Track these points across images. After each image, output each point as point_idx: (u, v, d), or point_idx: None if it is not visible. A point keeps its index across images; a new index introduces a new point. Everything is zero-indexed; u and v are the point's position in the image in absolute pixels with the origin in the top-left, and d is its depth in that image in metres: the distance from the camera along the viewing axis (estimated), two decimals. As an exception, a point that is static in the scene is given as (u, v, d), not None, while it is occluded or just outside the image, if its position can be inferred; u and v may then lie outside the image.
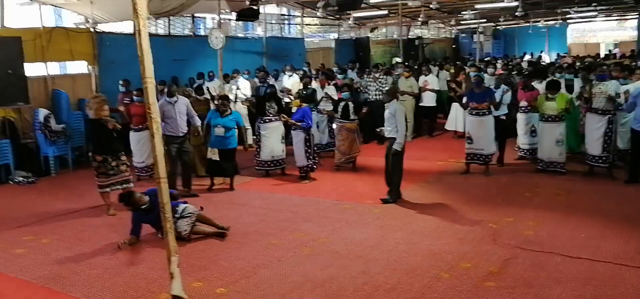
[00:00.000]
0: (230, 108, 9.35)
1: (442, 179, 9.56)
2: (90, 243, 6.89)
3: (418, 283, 5.34)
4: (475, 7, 20.16)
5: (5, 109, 10.77)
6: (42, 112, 10.90)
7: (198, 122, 9.12)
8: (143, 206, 6.69)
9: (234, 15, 15.15)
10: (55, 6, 12.68)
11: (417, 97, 13.35)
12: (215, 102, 9.48)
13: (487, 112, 9.50)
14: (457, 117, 13.02)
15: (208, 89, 12.18)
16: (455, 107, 12.91)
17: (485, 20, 27.40)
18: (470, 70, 13.99)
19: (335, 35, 24.02)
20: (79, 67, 13.20)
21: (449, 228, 6.97)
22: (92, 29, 12.75)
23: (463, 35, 33.61)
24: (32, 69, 11.51)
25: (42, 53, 11.70)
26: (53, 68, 12.48)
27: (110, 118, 7.93)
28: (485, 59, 21.46)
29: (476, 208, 7.73)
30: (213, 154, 9.01)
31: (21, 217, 8.11)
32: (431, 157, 11.27)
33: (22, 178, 10.47)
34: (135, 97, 10.16)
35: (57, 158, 11.18)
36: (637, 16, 28.65)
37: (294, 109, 9.96)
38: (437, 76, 15.00)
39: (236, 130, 9.15)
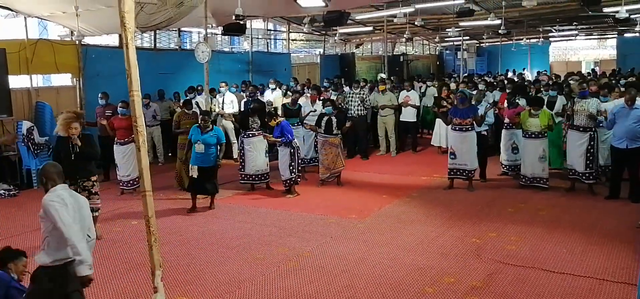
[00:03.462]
0: (211, 125, 9.01)
1: (426, 194, 9.62)
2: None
3: (402, 298, 5.37)
4: (459, 24, 20.41)
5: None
6: (25, 124, 10.80)
7: None
8: None
9: (220, 30, 15.18)
10: (41, 19, 12.61)
11: (399, 112, 13.45)
12: (200, 117, 9.24)
13: (470, 128, 9.60)
14: (441, 133, 13.13)
15: (197, 103, 12.18)
16: (439, 122, 13.03)
17: (468, 37, 27.77)
18: (461, 87, 14.15)
19: (321, 51, 24.15)
20: (63, 79, 13.12)
21: (432, 242, 7.01)
22: (77, 42, 12.69)
23: (447, 52, 33.97)
24: (16, 81, 11.42)
25: (27, 65, 11.61)
26: (37, 80, 12.38)
27: (77, 137, 6.97)
28: (466, 76, 21.75)
29: (460, 223, 7.78)
30: (193, 172, 8.72)
31: (3, 230, 8.01)
32: (415, 173, 11.34)
33: (3, 191, 10.34)
34: (119, 110, 10.11)
35: (40, 170, 11.06)
36: (617, 36, 29.19)
37: (272, 124, 9.92)
38: (424, 92, 15.13)
39: (217, 147, 8.84)
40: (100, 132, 11.08)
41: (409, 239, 7.16)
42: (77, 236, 3.87)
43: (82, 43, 12.87)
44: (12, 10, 11.77)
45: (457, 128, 9.66)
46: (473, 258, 6.41)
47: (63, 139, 7.09)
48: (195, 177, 8.67)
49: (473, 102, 10.39)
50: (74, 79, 12.97)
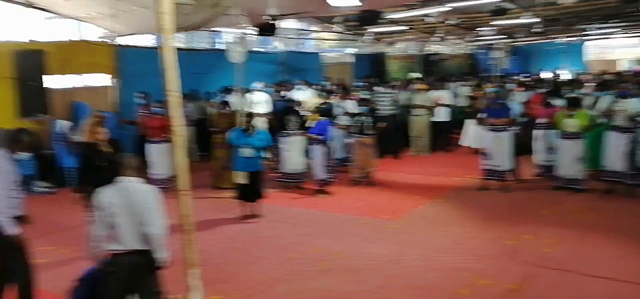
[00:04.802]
0: (255, 126, 8.69)
1: (459, 196, 9.52)
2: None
3: (436, 300, 5.33)
4: (493, 23, 20.10)
5: (27, 121, 10.92)
6: (64, 124, 11.04)
7: None
8: None
9: (253, 30, 15.26)
10: (78, 20, 12.89)
11: (432, 113, 13.34)
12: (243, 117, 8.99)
13: (504, 128, 9.46)
14: (470, 133, 12.97)
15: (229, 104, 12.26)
16: (469, 122, 12.87)
17: (503, 36, 27.33)
18: (492, 87, 13.98)
19: (353, 50, 24.09)
20: (99, 79, 13.38)
21: (466, 244, 6.93)
22: (113, 43, 12.93)
23: (480, 51, 33.51)
24: (55, 82, 11.69)
25: (64, 66, 11.87)
26: (74, 80, 12.66)
27: (106, 143, 6.81)
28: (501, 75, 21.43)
29: (494, 225, 7.68)
30: (240, 178, 8.28)
31: (42, 227, 8.18)
32: (448, 173, 11.23)
33: (42, 189, 10.61)
34: (154, 109, 10.25)
35: (77, 169, 11.30)
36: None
37: (310, 123, 9.98)
38: (457, 92, 14.97)
39: (263, 150, 8.46)
40: (139, 132, 11.24)
41: (443, 240, 7.10)
42: (98, 239, 4.12)
43: (118, 44, 13.10)
44: (51, 12, 12.06)
45: (491, 128, 9.53)
46: (508, 260, 6.31)
47: (89, 145, 6.85)
48: (243, 183, 8.28)
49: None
50: (111, 79, 13.23)
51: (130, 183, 4.24)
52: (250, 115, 9.10)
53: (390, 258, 6.49)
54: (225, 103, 10.99)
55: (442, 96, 13.52)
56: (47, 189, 10.64)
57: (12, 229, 4.64)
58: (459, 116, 14.67)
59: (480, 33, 23.61)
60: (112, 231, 4.06)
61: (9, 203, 4.67)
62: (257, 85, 13.23)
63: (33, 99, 10.60)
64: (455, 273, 5.97)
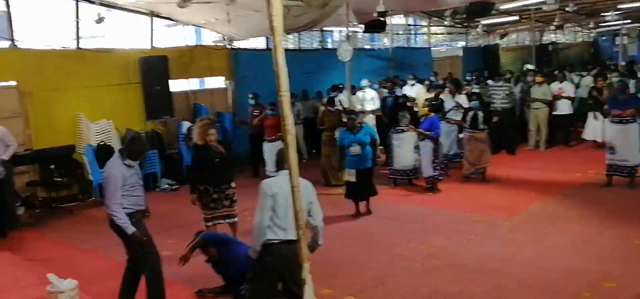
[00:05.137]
0: (360, 122, 8.71)
1: (580, 192, 8.99)
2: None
3: (555, 302, 5.09)
4: (619, 7, 18.72)
5: (154, 122, 11.76)
6: (185, 125, 11.75)
7: None
8: (211, 260, 5.78)
9: (361, 28, 15.34)
10: (197, 26, 13.64)
11: (551, 106, 12.67)
12: (345, 114, 9.12)
13: (631, 120, 8.81)
14: (595, 126, 12.19)
15: (340, 102, 12.44)
16: (593, 115, 12.09)
17: (629, 20, 25.36)
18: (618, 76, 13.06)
19: (463, 44, 23.48)
20: (216, 82, 14.10)
21: (588, 244, 6.54)
22: (228, 46, 13.56)
23: (603, 38, 31.37)
24: (176, 85, 12.47)
25: (185, 70, 12.64)
26: (194, 84, 13.44)
27: (217, 144, 6.96)
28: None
29: (620, 223, 7.17)
30: (350, 176, 8.28)
31: (166, 221, 8.75)
32: (568, 169, 10.62)
33: (167, 185, 11.38)
34: (268, 112, 10.63)
35: (189, 170, 11.98)
36: None
37: (421, 119, 9.90)
38: (579, 83, 14.14)
39: (371, 146, 8.38)
40: (250, 131, 11.73)
41: (562, 239, 6.75)
42: (262, 228, 4.25)
43: (233, 47, 13.72)
44: (173, 20, 12.88)
45: (616, 120, 8.91)
46: (636, 262, 5.88)
47: (201, 147, 6.93)
48: (354, 181, 8.31)
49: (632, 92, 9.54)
50: (226, 81, 13.89)
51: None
52: (351, 112, 9.15)
53: (504, 257, 6.27)
54: (332, 101, 11.15)
55: (564, 87, 12.80)
56: (171, 186, 11.39)
57: (133, 227, 5.02)
58: (581, 108, 13.85)
59: (604, 19, 22.06)
60: (274, 221, 4.24)
61: (130, 201, 5.07)
62: (365, 82, 13.27)
63: (158, 102, 11.42)
64: (576, 274, 5.66)
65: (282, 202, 4.23)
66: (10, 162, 8.93)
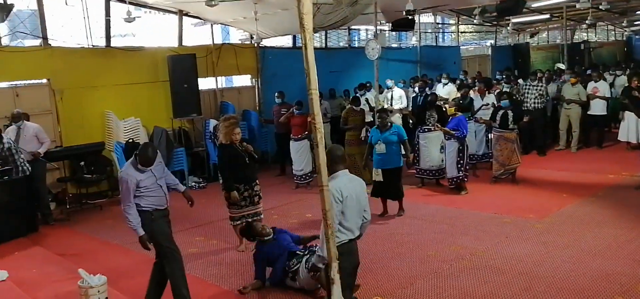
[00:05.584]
0: (390, 121, 8.62)
1: (614, 194, 8.77)
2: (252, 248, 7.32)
3: (588, 306, 4.96)
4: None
5: (181, 120, 11.85)
6: (212, 123, 11.80)
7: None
8: (266, 238, 6.02)
9: (389, 26, 15.25)
10: (224, 25, 13.71)
11: (585, 106, 12.40)
12: (376, 116, 9.00)
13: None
14: (629, 127, 11.89)
15: (367, 100, 12.37)
16: (628, 115, 11.78)
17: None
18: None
19: (492, 42, 23.18)
20: (243, 80, 14.16)
21: (623, 247, 6.37)
22: (255, 45, 13.60)
23: (637, 37, 30.67)
24: (204, 83, 12.54)
25: (213, 68, 12.71)
26: (221, 82, 13.51)
27: (244, 143, 7.01)
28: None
29: (656, 227, 6.98)
30: (377, 175, 8.21)
31: (193, 219, 8.80)
32: (601, 170, 10.38)
33: (194, 183, 11.46)
34: (295, 110, 10.61)
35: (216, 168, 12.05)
36: None
37: (449, 118, 9.77)
38: (613, 83, 13.83)
39: (400, 146, 8.31)
40: (277, 130, 11.73)
41: (595, 242, 6.59)
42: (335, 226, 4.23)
43: (260, 45, 13.75)
44: (201, 19, 12.96)
45: (652, 121, 8.68)
46: (673, 267, 5.72)
47: (228, 147, 6.93)
48: (381, 180, 8.23)
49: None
50: (253, 80, 13.94)
51: (348, 175, 4.49)
52: (382, 111, 9.03)
53: (535, 260, 6.14)
54: (356, 100, 11.07)
55: (598, 87, 12.51)
56: (198, 184, 11.46)
57: (142, 230, 5.14)
58: (616, 108, 13.54)
59: (638, 17, 21.56)
60: (342, 223, 4.31)
61: (148, 202, 5.16)
62: (390, 83, 13.18)
63: (186, 100, 11.49)
64: (609, 278, 5.50)
65: (350, 204, 4.31)
66: (43, 159, 9.11)
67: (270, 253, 5.92)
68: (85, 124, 10.71)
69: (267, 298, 5.70)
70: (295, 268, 5.69)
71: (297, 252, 5.87)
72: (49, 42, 10.49)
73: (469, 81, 14.82)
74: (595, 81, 12.71)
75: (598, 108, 12.47)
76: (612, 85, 13.76)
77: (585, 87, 12.58)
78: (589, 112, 12.48)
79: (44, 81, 10.43)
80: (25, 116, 9.18)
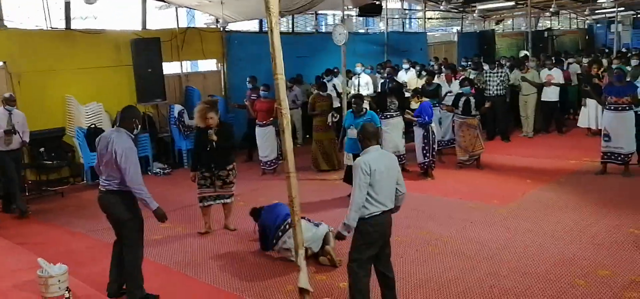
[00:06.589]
0: (365, 108, 8.51)
1: (575, 180, 8.97)
2: (220, 233, 7.24)
3: (550, 290, 5.04)
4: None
5: (145, 105, 11.61)
6: (177, 108, 11.61)
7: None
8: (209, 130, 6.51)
9: (356, 11, 15.21)
10: (189, 8, 13.46)
11: (539, 91, 12.65)
12: (352, 101, 8.92)
13: (627, 108, 8.77)
14: (589, 113, 12.17)
15: (334, 86, 12.31)
16: (589, 102, 12.04)
17: (623, 8, 25.32)
18: (615, 63, 13.00)
19: (458, 29, 23.38)
20: (209, 65, 13.95)
21: (583, 231, 6.51)
22: (221, 29, 13.40)
23: (598, 25, 31.36)
24: (168, 68, 12.30)
25: (178, 52, 12.48)
26: (186, 66, 13.28)
27: (212, 130, 6.94)
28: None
29: (614, 211, 7.15)
30: (348, 160, 8.22)
31: (161, 204, 8.61)
32: (563, 156, 10.61)
33: (159, 169, 11.25)
34: (261, 93, 10.50)
35: (190, 151, 11.86)
36: None
37: (413, 105, 9.77)
38: (567, 69, 14.11)
39: None
40: (249, 115, 11.58)
41: (557, 227, 6.72)
42: (360, 205, 4.31)
43: (226, 30, 13.56)
44: (165, 2, 12.68)
45: (612, 107, 8.87)
46: (631, 250, 5.86)
47: (201, 130, 7.02)
48: (351, 165, 7.99)
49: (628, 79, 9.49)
50: (219, 64, 13.74)
51: (379, 150, 4.56)
52: (358, 97, 8.96)
53: (499, 244, 6.23)
54: (323, 85, 11.01)
55: (553, 74, 12.74)
56: (163, 170, 11.26)
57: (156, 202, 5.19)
58: (576, 95, 13.82)
59: (599, 6, 22.00)
60: (372, 196, 4.34)
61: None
62: (359, 68, 13.17)
63: (150, 84, 11.23)
64: (571, 262, 5.62)
65: (380, 178, 4.35)
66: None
67: (264, 223, 6.35)
68: (45, 109, 10.37)
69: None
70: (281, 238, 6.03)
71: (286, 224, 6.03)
72: (5, 23, 10.12)
73: (435, 67, 14.91)
74: (549, 69, 12.89)
75: (551, 94, 12.69)
76: (572, 72, 14.03)
77: (539, 74, 12.84)
78: (542, 99, 12.71)
79: (0, 64, 10.07)
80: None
